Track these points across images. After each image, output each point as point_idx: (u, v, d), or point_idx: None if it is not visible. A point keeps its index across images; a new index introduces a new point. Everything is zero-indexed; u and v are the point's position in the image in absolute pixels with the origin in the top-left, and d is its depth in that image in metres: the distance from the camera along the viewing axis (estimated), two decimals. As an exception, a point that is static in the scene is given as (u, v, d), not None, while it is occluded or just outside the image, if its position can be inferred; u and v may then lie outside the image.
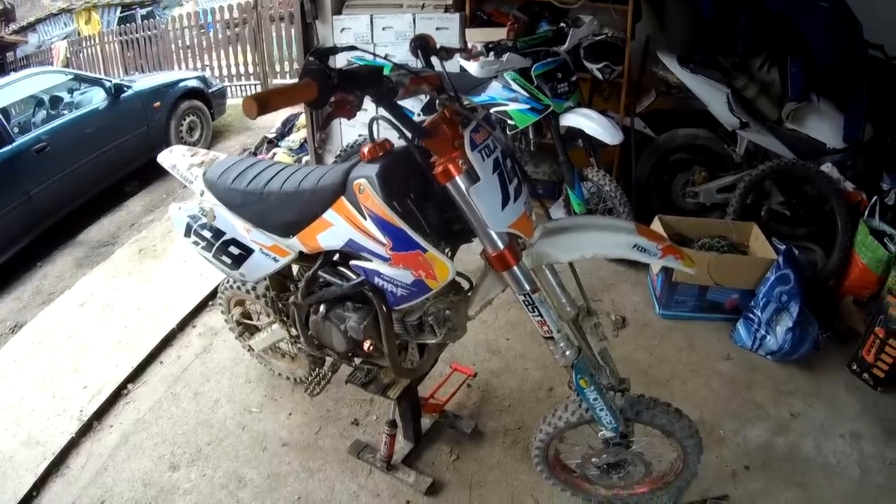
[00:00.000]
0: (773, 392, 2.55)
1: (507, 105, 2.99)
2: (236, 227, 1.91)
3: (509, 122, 3.06)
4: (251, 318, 2.57)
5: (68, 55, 11.06)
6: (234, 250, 1.95)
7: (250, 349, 2.59)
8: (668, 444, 1.86)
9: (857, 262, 2.95)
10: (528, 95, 2.96)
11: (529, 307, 1.54)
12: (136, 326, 3.16)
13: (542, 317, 1.54)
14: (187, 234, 2.08)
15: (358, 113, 1.31)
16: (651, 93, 3.68)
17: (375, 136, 1.50)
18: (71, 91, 5.61)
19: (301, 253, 1.79)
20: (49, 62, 10.98)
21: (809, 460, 2.24)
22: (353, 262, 1.65)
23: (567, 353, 1.58)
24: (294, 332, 2.11)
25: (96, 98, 5.47)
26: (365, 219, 1.51)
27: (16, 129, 4.81)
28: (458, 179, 1.38)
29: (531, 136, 3.27)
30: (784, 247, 2.76)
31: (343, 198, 1.55)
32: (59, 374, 2.87)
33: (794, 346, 2.62)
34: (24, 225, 4.62)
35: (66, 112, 5.22)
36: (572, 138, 3.15)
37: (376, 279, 1.61)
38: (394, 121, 1.36)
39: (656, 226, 3.14)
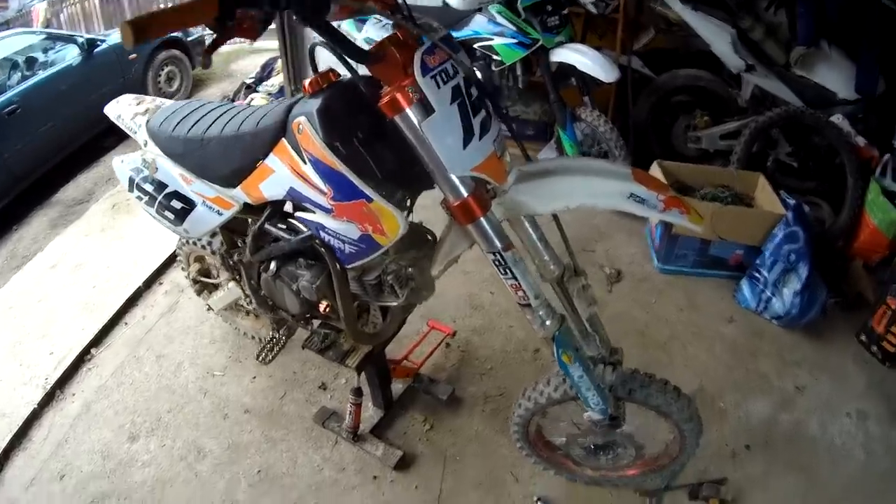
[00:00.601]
0: (777, 361, 2.38)
1: (493, 39, 2.78)
2: (177, 178, 1.71)
3: (495, 57, 2.83)
4: (210, 276, 2.38)
5: (48, 17, 10.69)
6: (176, 204, 1.75)
7: (209, 308, 2.41)
8: (662, 424, 1.65)
9: (868, 223, 2.74)
10: (515, 29, 2.75)
11: (501, 268, 1.29)
12: (104, 286, 3.00)
13: (516, 280, 1.29)
14: (131, 188, 1.88)
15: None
16: (650, 30, 3.44)
17: (319, 67, 1.28)
18: (45, 51, 5.42)
19: (246, 205, 1.58)
20: (30, 26, 10.64)
21: (814, 441, 2.07)
22: (297, 214, 1.44)
23: (547, 322, 1.34)
24: (248, 291, 1.93)
25: (70, 55, 5.29)
26: (305, 163, 1.29)
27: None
28: (409, 112, 1.12)
29: (519, 74, 3.05)
30: (794, 202, 2.54)
31: (284, 139, 1.33)
32: (27, 341, 2.72)
33: (802, 310, 2.43)
34: (-1, 189, 4.46)
35: (40, 72, 5.06)
36: (564, 76, 2.95)
37: (321, 234, 1.40)
38: (329, 44, 1.11)
39: (655, 172, 2.90)
